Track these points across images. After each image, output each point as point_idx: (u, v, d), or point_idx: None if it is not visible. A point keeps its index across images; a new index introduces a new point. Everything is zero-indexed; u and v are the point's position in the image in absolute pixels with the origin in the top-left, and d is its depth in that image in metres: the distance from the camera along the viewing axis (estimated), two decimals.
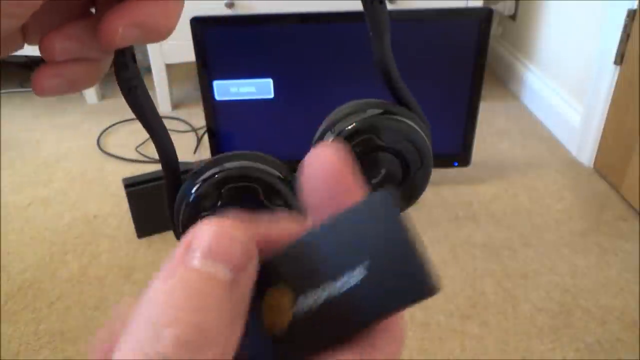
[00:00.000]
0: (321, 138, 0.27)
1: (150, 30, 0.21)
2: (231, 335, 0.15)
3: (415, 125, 0.28)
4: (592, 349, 0.84)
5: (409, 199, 0.28)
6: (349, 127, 0.26)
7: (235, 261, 0.15)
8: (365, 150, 0.26)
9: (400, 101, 0.29)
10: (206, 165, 0.25)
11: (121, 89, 0.23)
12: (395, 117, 0.28)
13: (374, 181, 0.27)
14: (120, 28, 0.20)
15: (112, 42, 0.20)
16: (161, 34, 0.22)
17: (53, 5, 0.21)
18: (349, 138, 0.26)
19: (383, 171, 0.27)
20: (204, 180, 0.25)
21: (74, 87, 0.23)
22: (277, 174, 0.25)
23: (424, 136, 0.28)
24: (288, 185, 0.24)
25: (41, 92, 0.22)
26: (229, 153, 0.26)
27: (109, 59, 0.23)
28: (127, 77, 0.23)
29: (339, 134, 0.26)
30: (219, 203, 0.24)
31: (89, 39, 0.21)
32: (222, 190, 0.24)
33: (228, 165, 0.25)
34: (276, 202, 0.24)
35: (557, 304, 0.93)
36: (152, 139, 0.25)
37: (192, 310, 0.14)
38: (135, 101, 0.23)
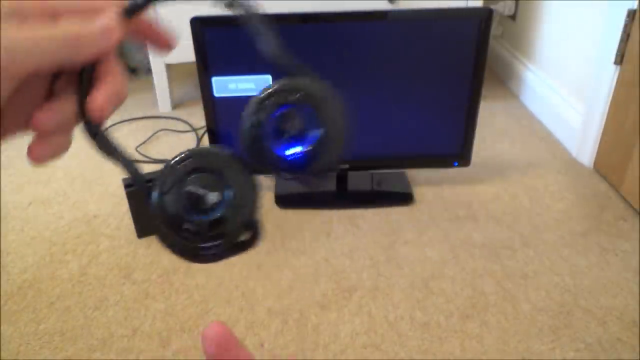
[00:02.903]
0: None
1: (122, 99, 0.26)
2: None
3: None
4: (592, 349, 0.84)
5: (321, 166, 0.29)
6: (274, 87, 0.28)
7: None
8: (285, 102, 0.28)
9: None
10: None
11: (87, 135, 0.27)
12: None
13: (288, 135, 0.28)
14: (107, 106, 0.25)
15: (102, 118, 0.25)
16: (125, 97, 0.27)
17: (29, 84, 0.24)
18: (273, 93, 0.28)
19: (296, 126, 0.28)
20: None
21: (60, 153, 0.26)
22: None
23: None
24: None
25: (37, 161, 0.25)
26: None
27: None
28: (94, 131, 0.26)
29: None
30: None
31: (70, 113, 0.25)
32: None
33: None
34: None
35: (557, 304, 0.93)
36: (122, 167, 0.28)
37: None
38: (103, 144, 0.27)
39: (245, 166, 0.29)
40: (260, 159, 0.28)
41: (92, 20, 0.24)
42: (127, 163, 0.28)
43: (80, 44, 0.24)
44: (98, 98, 0.25)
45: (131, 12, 0.25)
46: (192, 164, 0.28)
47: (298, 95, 0.28)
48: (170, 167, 0.28)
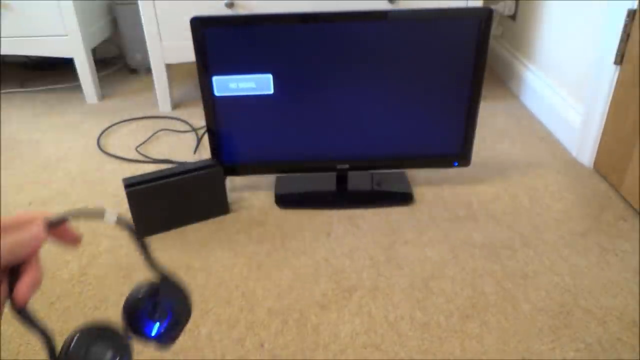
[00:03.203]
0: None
1: (40, 283, 0.37)
2: None
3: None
4: (592, 349, 0.84)
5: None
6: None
7: None
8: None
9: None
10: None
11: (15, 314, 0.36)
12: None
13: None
14: (28, 293, 0.35)
15: (25, 302, 0.35)
16: (41, 281, 0.38)
17: None
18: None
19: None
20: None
21: None
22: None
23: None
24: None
25: None
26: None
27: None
28: (19, 311, 0.36)
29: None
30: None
31: (3, 294, 0.36)
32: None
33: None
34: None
35: (557, 304, 0.93)
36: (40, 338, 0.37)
37: None
38: (26, 320, 0.36)
39: (122, 338, 0.42)
40: (137, 334, 0.43)
41: (27, 230, 0.37)
42: (46, 337, 0.36)
43: (21, 249, 0.36)
44: (22, 289, 0.35)
45: (53, 225, 0.40)
46: (89, 343, 0.39)
47: (156, 292, 0.45)
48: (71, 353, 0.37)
